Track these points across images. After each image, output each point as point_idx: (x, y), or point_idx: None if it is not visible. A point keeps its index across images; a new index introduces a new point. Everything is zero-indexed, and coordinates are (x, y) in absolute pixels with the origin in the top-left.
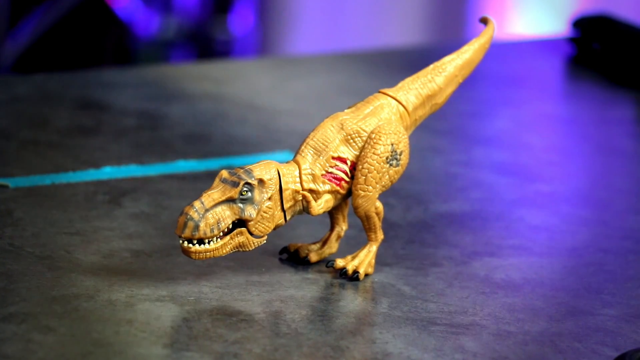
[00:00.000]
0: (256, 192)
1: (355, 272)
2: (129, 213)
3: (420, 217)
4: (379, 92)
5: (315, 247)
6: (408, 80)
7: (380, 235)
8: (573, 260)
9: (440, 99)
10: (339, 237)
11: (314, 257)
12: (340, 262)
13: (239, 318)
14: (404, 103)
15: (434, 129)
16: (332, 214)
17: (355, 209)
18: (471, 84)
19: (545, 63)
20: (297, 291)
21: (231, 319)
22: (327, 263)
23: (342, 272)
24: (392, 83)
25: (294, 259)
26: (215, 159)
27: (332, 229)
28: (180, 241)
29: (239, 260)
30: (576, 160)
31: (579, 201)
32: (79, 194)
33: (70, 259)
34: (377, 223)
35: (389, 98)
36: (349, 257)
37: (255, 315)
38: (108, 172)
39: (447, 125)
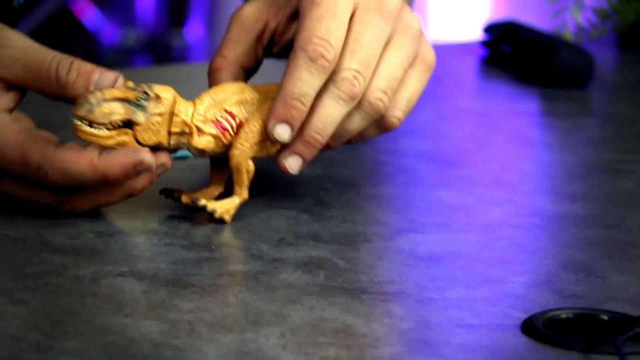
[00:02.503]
0: (150, 104)
1: (213, 211)
2: None
3: (352, 199)
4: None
5: (188, 193)
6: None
7: (245, 194)
8: (487, 235)
9: None
10: (212, 197)
11: (184, 199)
12: (202, 201)
13: (192, 290)
14: None
15: None
16: (212, 173)
17: (230, 158)
18: None
19: (462, 64)
20: (244, 266)
21: (185, 291)
22: (192, 200)
23: (201, 207)
24: None
25: (169, 196)
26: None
27: (208, 186)
28: (74, 119)
29: (192, 239)
30: (489, 148)
31: (491, 183)
32: None
33: (40, 240)
34: (246, 181)
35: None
36: (213, 200)
37: (206, 288)
38: None
39: None
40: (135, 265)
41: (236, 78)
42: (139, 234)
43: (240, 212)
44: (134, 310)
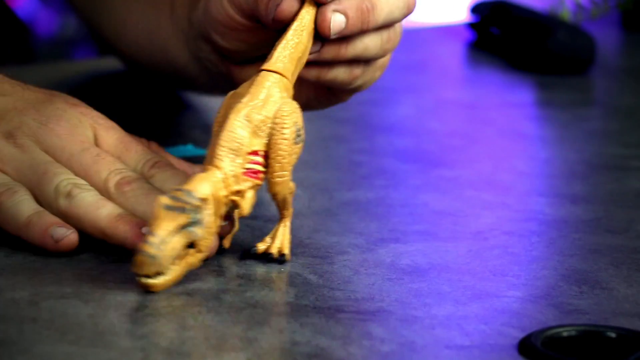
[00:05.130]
0: (201, 212)
1: (282, 254)
2: None
3: (325, 206)
4: (261, 70)
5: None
6: (279, 48)
7: (291, 210)
8: (478, 243)
9: (305, 57)
10: (240, 214)
11: (226, 243)
12: (261, 247)
13: (144, 312)
14: (286, 74)
15: (337, 117)
16: (231, 215)
17: (274, 195)
18: None
19: (447, 49)
20: (203, 284)
21: (137, 313)
22: (250, 250)
23: (268, 257)
24: None
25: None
26: None
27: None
28: (140, 278)
29: None
30: (479, 145)
31: (482, 185)
32: None
33: None
34: (290, 201)
35: (273, 74)
36: (268, 239)
37: (161, 309)
38: None
39: (350, 113)
40: (80, 286)
41: None
42: (84, 251)
43: None
44: (79, 336)
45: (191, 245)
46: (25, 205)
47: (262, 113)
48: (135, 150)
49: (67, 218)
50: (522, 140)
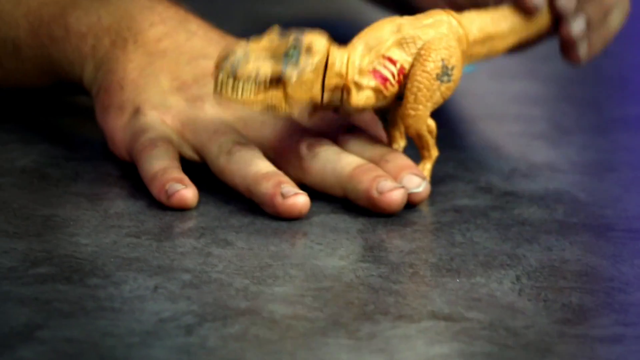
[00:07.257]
0: (302, 56)
1: None
2: None
3: (594, 122)
4: (443, 10)
5: None
6: (475, 12)
7: (434, 152)
8: None
9: (500, 46)
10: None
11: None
12: None
13: (413, 229)
14: (467, 28)
15: None
16: (388, 131)
17: (406, 128)
18: None
19: None
20: (471, 201)
21: (405, 229)
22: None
23: None
24: None
25: None
26: None
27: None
28: (216, 80)
29: None
30: None
31: None
32: None
33: None
34: (430, 141)
35: (452, 18)
36: None
37: (429, 226)
38: None
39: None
40: (349, 202)
41: None
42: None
43: (465, 141)
44: (349, 251)
45: (278, 81)
46: (158, 161)
47: (416, 31)
48: (328, 116)
49: (223, 175)
50: None
